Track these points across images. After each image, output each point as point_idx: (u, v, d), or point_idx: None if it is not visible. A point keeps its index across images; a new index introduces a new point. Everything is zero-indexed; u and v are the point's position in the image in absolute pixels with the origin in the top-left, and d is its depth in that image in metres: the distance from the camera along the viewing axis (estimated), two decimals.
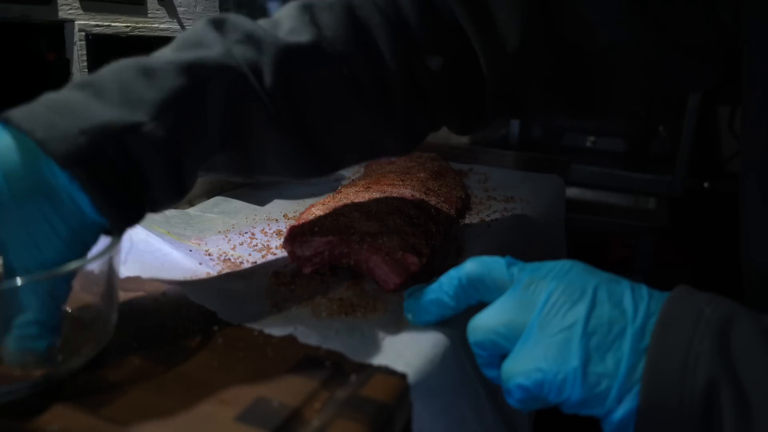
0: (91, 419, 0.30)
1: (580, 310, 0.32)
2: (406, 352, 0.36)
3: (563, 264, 0.35)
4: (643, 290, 0.33)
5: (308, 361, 0.35)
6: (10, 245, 0.32)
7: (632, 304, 0.32)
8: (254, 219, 0.61)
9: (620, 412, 0.31)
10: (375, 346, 0.37)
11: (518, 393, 0.33)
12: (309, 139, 0.43)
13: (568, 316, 0.32)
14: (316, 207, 0.52)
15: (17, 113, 0.33)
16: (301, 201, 0.68)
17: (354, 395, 0.33)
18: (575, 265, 0.35)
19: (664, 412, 0.30)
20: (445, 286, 0.38)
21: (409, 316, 0.40)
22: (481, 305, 0.38)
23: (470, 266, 0.37)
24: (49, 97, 0.35)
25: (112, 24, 0.54)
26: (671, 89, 0.64)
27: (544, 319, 0.33)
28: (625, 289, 0.33)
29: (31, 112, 0.33)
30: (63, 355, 0.33)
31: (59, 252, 0.33)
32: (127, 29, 0.55)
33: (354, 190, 0.58)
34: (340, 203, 0.52)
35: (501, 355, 0.35)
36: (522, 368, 0.32)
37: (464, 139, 1.21)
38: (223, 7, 0.75)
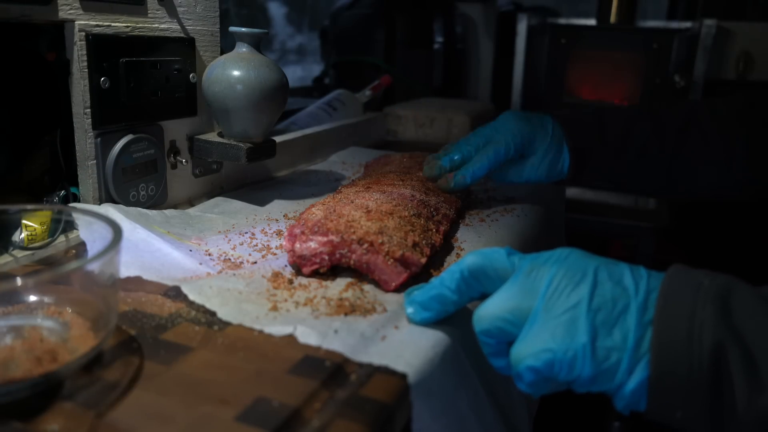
0: (91, 419, 0.30)
1: (583, 290, 0.33)
2: (406, 352, 0.36)
3: (561, 250, 0.36)
4: (641, 269, 0.34)
5: (308, 361, 0.35)
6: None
7: (633, 281, 0.33)
8: (254, 219, 0.61)
9: (632, 384, 0.32)
10: (375, 346, 0.37)
11: (529, 375, 0.33)
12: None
13: (572, 297, 0.33)
14: (316, 207, 0.52)
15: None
16: (301, 201, 0.68)
17: (354, 395, 0.33)
18: (573, 251, 0.36)
19: (674, 380, 0.31)
20: (447, 280, 0.38)
21: (410, 314, 0.40)
22: (482, 299, 0.38)
23: (471, 258, 0.38)
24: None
25: (112, 24, 0.54)
26: None
27: (548, 302, 0.33)
28: (624, 269, 0.34)
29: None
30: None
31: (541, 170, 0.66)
32: (127, 29, 0.55)
33: (354, 190, 0.58)
34: (340, 203, 0.52)
35: (508, 343, 0.36)
36: (531, 350, 0.33)
37: None
38: (223, 6, 0.75)
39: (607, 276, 0.34)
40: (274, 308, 0.41)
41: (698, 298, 0.31)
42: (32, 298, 0.38)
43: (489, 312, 0.35)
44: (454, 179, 0.62)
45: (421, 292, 0.40)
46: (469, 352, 0.41)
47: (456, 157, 0.63)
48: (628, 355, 0.32)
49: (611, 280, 0.34)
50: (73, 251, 0.52)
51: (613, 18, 1.66)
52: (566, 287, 0.33)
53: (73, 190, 0.56)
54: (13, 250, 0.48)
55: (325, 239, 0.45)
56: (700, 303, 0.31)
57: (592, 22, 1.70)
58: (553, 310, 0.33)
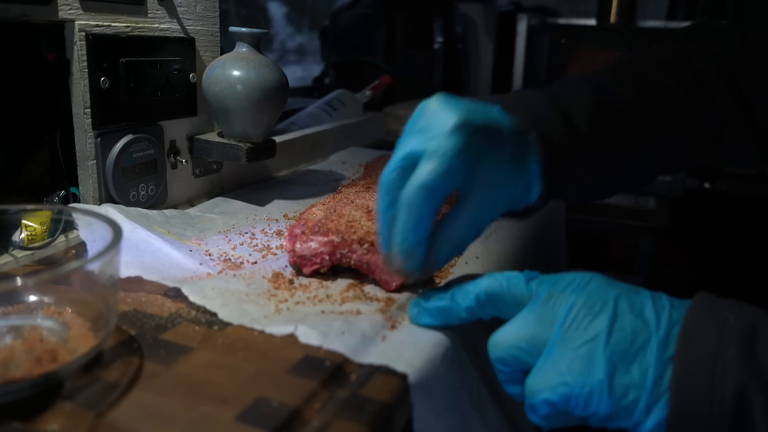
0: (91, 419, 0.30)
1: (602, 322, 0.32)
2: (406, 352, 0.36)
3: (582, 276, 0.35)
4: (664, 299, 0.33)
5: (308, 361, 0.35)
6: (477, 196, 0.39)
7: (654, 314, 0.32)
8: (254, 219, 0.61)
9: (650, 423, 0.31)
10: (375, 346, 0.37)
11: (544, 408, 0.33)
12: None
13: (591, 329, 0.32)
14: (316, 207, 0.52)
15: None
16: (301, 201, 0.68)
17: (354, 395, 0.33)
18: (594, 277, 0.35)
19: (694, 422, 0.29)
20: (460, 298, 0.37)
21: (413, 315, 0.40)
22: (491, 319, 0.38)
23: (489, 282, 0.37)
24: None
25: (112, 24, 0.54)
26: None
27: (566, 333, 0.32)
28: (645, 300, 0.33)
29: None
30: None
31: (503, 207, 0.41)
32: (127, 29, 0.55)
33: (354, 190, 0.58)
34: (341, 203, 0.52)
35: (523, 371, 0.35)
36: (547, 383, 0.32)
37: None
38: (223, 7, 0.75)
39: (628, 307, 0.33)
40: (275, 308, 0.41)
41: (722, 337, 0.30)
42: (32, 298, 0.37)
43: (505, 340, 0.35)
44: (405, 264, 0.39)
45: (431, 299, 0.39)
46: (471, 352, 0.41)
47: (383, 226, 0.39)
48: (647, 393, 0.31)
49: (632, 311, 0.32)
50: (73, 251, 0.52)
51: (613, 18, 1.66)
52: (585, 318, 0.32)
53: (73, 190, 0.56)
54: (13, 250, 0.48)
55: (326, 239, 0.45)
56: (724, 343, 0.30)
57: (592, 22, 1.70)
58: (571, 341, 0.32)
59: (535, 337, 0.34)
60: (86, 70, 0.52)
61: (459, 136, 0.36)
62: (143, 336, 0.38)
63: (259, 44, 0.63)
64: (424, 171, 0.36)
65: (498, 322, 0.37)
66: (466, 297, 0.37)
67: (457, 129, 0.36)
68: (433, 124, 0.37)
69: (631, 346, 0.31)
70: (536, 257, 0.62)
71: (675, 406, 0.30)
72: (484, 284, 0.37)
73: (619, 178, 0.55)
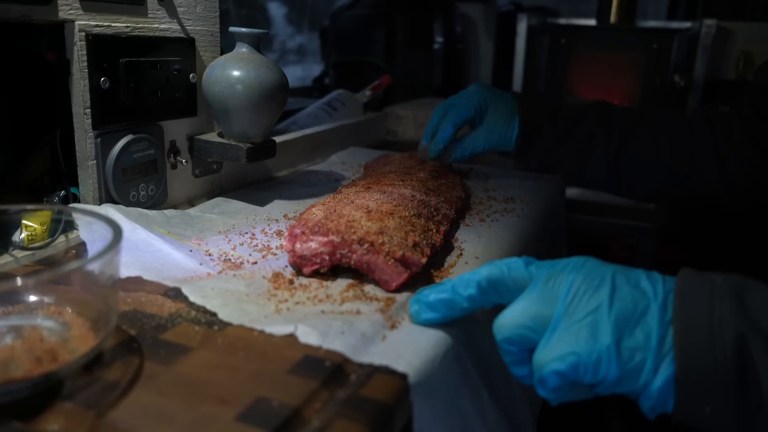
0: (91, 419, 0.30)
1: (603, 294, 0.34)
2: (406, 352, 0.36)
3: (577, 259, 0.37)
4: (656, 274, 0.35)
5: (308, 361, 0.35)
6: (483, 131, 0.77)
7: (650, 284, 0.34)
8: (254, 219, 0.61)
9: (658, 382, 0.32)
10: (375, 346, 0.37)
11: (554, 380, 0.34)
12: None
13: (592, 301, 0.34)
14: (316, 207, 0.52)
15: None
16: (301, 201, 0.68)
17: (354, 395, 0.33)
18: (589, 259, 0.37)
19: (700, 373, 0.31)
20: (460, 288, 0.38)
21: (413, 312, 0.40)
22: (493, 308, 0.38)
23: (489, 269, 0.38)
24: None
25: (112, 24, 0.54)
26: None
27: (569, 308, 0.34)
28: (640, 274, 0.35)
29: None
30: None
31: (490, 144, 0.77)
32: (127, 29, 0.55)
33: (354, 190, 0.58)
34: (341, 203, 0.52)
35: (530, 351, 0.36)
36: (555, 354, 0.33)
37: None
38: (223, 7, 0.75)
39: (625, 280, 0.34)
40: (275, 308, 0.41)
41: (714, 295, 0.32)
42: (32, 298, 0.38)
43: (510, 320, 0.36)
44: (430, 150, 0.77)
45: (430, 293, 0.39)
46: (471, 352, 0.41)
47: (428, 131, 0.79)
48: (653, 354, 0.32)
49: (629, 284, 0.34)
50: (73, 251, 0.52)
51: (613, 18, 1.66)
52: (586, 292, 0.34)
53: (73, 190, 0.56)
54: (13, 250, 0.48)
55: (326, 239, 0.45)
56: (716, 299, 0.32)
57: (592, 22, 1.70)
58: (575, 314, 0.33)
59: (539, 315, 0.35)
60: (86, 70, 0.52)
61: (476, 87, 0.78)
62: (143, 336, 0.38)
63: (259, 44, 0.63)
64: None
65: (498, 312, 0.37)
66: (467, 286, 0.38)
67: (475, 85, 0.79)
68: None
69: (632, 312, 0.33)
70: (536, 257, 0.62)
71: (681, 362, 0.31)
72: (484, 272, 0.38)
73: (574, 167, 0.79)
